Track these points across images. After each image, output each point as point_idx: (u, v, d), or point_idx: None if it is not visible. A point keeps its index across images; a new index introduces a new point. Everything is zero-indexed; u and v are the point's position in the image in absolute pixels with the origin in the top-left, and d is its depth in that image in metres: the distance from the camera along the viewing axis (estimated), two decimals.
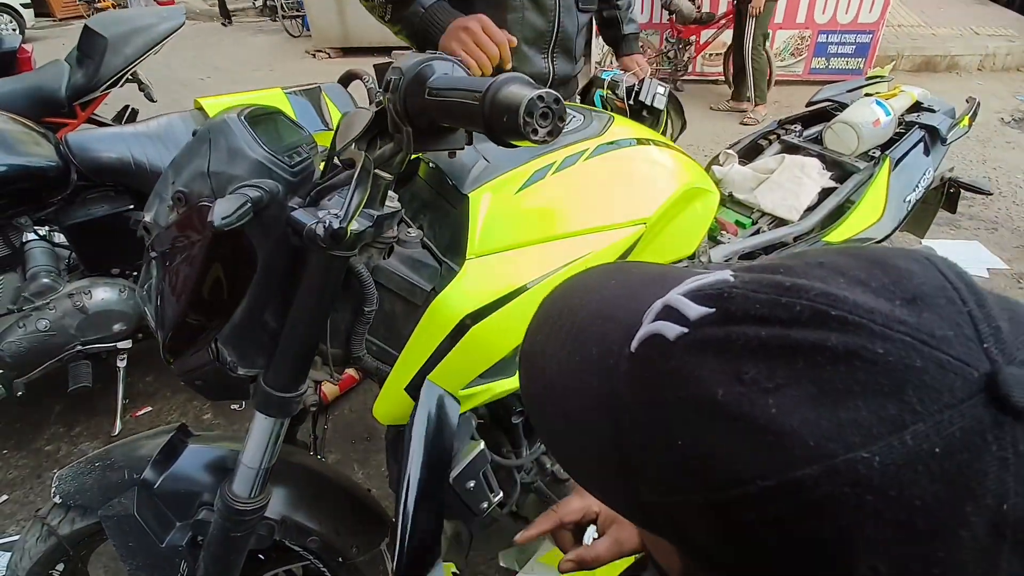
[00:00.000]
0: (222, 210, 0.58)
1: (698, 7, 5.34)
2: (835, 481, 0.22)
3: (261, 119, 0.76)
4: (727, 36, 5.54)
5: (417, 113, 0.58)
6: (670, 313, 0.29)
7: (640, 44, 1.42)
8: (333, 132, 0.70)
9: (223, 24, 8.24)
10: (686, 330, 0.27)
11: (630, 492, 0.29)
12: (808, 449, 0.22)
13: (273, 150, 0.71)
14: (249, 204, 0.61)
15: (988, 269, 2.78)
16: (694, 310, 0.28)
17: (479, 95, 0.52)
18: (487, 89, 0.52)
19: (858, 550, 0.22)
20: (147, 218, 0.74)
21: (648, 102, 1.15)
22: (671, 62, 5.54)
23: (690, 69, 5.67)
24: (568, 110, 0.95)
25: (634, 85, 1.16)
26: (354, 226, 0.67)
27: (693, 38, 5.38)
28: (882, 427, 0.22)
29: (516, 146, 0.54)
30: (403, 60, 0.56)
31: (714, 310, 0.27)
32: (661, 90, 1.14)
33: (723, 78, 5.52)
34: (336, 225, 0.60)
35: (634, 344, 0.30)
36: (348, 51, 7.92)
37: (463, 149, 0.62)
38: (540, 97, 0.51)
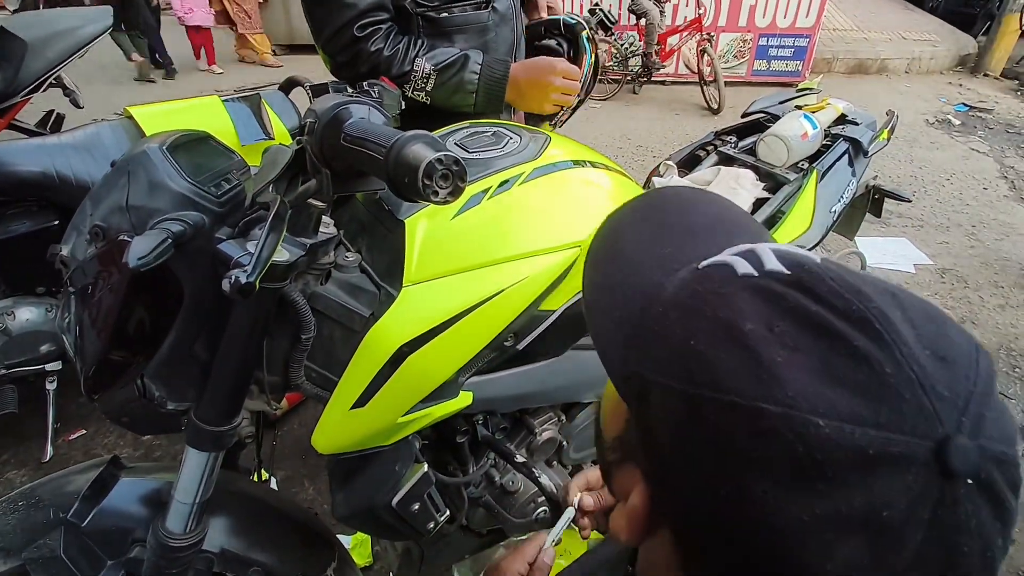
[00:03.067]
0: (139, 250, 0.55)
1: (661, 11, 5.49)
2: (784, 424, 0.27)
3: (186, 145, 0.73)
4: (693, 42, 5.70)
5: (333, 157, 0.57)
6: (750, 256, 0.34)
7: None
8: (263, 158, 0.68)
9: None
10: (755, 273, 0.32)
11: (624, 359, 0.35)
12: (784, 395, 0.28)
13: (199, 179, 0.68)
14: (169, 240, 0.58)
15: (915, 265, 2.94)
16: (773, 264, 0.33)
17: (384, 150, 0.51)
18: (391, 146, 0.51)
19: (764, 476, 0.27)
20: (64, 251, 0.70)
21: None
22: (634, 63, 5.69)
23: (654, 74, 5.81)
24: (505, 131, 0.97)
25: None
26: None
27: (658, 44, 5.52)
28: (846, 414, 0.27)
29: (419, 203, 0.53)
30: (319, 102, 0.55)
31: (790, 273, 0.31)
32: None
33: (688, 80, 5.75)
34: (244, 280, 0.55)
35: (704, 263, 0.35)
36: (295, 48, 7.71)
37: (384, 190, 0.61)
38: (440, 160, 0.50)
